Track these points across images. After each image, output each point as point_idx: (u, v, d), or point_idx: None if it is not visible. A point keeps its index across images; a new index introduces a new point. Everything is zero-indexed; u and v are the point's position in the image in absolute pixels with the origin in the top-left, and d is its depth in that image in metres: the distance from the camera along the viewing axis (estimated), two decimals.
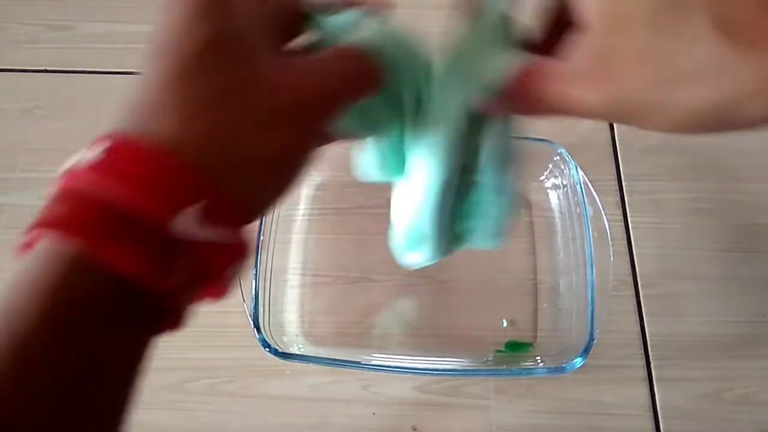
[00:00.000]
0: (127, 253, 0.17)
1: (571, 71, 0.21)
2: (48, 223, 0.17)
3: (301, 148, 0.21)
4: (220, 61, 0.19)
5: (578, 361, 0.41)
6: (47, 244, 0.17)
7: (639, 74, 0.20)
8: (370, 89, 0.24)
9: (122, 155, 0.18)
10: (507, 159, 0.30)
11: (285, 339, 0.48)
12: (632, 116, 0.21)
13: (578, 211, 0.47)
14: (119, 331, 0.17)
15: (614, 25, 0.20)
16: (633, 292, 0.51)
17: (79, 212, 0.17)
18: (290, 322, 0.50)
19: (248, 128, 0.19)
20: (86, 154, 0.18)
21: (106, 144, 0.18)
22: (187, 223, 0.17)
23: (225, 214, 0.18)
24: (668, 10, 0.19)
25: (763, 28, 0.17)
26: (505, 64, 0.24)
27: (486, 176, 0.30)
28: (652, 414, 0.47)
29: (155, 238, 0.17)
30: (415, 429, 0.47)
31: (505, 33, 0.26)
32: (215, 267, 0.19)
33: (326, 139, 0.25)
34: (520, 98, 0.24)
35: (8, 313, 0.16)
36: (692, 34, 0.18)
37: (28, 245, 0.18)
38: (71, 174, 0.18)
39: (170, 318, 0.19)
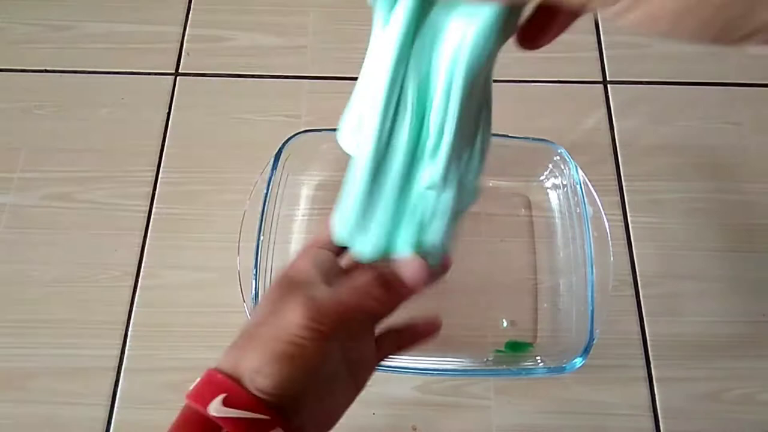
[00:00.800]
0: None
1: None
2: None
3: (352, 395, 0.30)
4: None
5: (578, 361, 0.41)
6: None
7: None
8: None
9: (207, 384, 0.26)
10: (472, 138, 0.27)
11: None
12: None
13: (578, 211, 0.47)
14: None
15: None
16: (633, 292, 0.51)
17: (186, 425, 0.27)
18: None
19: (319, 387, 0.27)
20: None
21: (205, 377, 0.27)
22: (215, 406, 0.25)
23: (240, 399, 0.25)
24: None
25: None
26: None
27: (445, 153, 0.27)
28: (652, 414, 0.47)
29: (206, 426, 0.25)
30: (415, 429, 0.47)
31: None
32: None
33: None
34: None
35: None
36: None
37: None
38: (190, 393, 0.27)
39: None
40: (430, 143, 0.27)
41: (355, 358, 0.30)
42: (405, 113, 0.26)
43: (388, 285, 0.29)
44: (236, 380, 0.26)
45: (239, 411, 0.25)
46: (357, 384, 0.31)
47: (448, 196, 0.28)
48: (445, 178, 0.27)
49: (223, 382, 0.26)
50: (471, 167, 0.28)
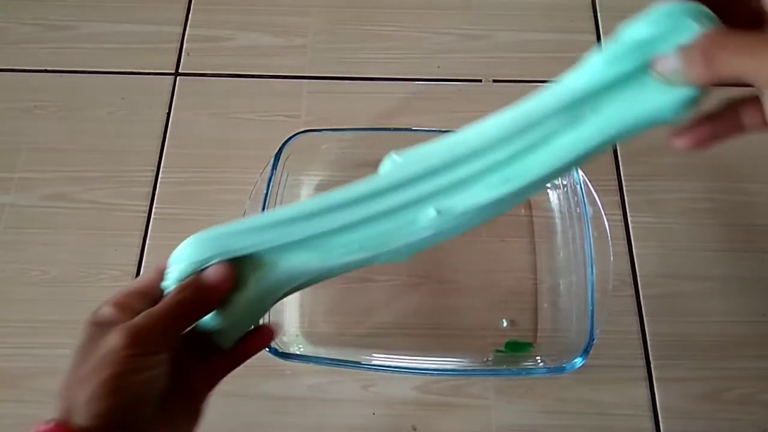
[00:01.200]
0: None
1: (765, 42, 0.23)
2: None
3: None
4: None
5: (578, 361, 0.41)
6: None
7: None
8: None
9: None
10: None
11: (285, 339, 0.48)
12: None
13: (578, 211, 0.47)
14: None
15: None
16: (633, 292, 0.51)
17: None
18: (290, 322, 0.50)
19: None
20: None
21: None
22: None
23: None
24: None
25: None
26: (693, 29, 0.25)
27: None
28: (652, 414, 0.47)
29: None
30: (415, 429, 0.47)
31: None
32: None
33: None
34: (703, 62, 0.25)
35: None
36: None
37: None
38: None
39: None
40: (495, 178, 0.29)
41: (184, 374, 0.30)
42: (513, 142, 0.29)
43: (195, 287, 0.30)
44: (65, 422, 0.26)
45: None
46: (195, 405, 0.31)
47: (436, 227, 0.30)
48: (465, 212, 0.30)
49: (49, 430, 0.25)
50: (493, 212, 0.30)
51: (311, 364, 0.46)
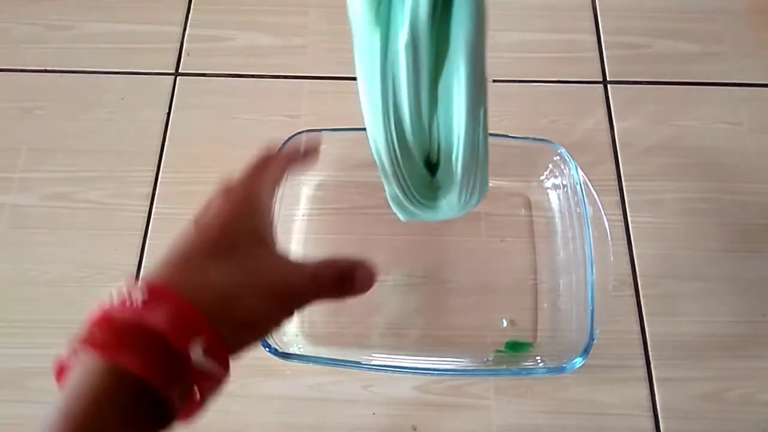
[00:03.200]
0: (150, 362, 0.22)
1: None
2: (91, 342, 0.23)
3: (276, 318, 0.27)
4: (237, 245, 0.27)
5: (578, 361, 0.41)
6: (90, 360, 0.23)
7: None
8: (349, 294, 0.31)
9: (155, 298, 0.23)
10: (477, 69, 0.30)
11: (285, 339, 0.48)
12: None
13: (578, 211, 0.47)
14: (140, 424, 0.23)
15: None
16: (633, 292, 0.51)
17: (116, 335, 0.23)
18: (290, 322, 0.50)
19: (246, 296, 0.25)
20: (121, 292, 0.24)
21: (143, 287, 0.24)
22: (197, 352, 0.23)
23: (217, 350, 0.24)
24: None
25: None
26: None
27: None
28: (652, 414, 0.47)
29: (172, 359, 0.22)
30: (415, 429, 0.47)
31: None
32: (201, 391, 0.25)
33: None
34: None
35: (63, 414, 0.21)
36: None
37: (71, 358, 0.24)
38: (106, 308, 0.23)
39: (169, 419, 0.24)
40: None
41: None
42: None
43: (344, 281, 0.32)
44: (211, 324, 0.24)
45: (213, 366, 0.24)
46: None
47: None
48: None
49: (203, 323, 0.24)
50: None
51: (311, 364, 0.46)
